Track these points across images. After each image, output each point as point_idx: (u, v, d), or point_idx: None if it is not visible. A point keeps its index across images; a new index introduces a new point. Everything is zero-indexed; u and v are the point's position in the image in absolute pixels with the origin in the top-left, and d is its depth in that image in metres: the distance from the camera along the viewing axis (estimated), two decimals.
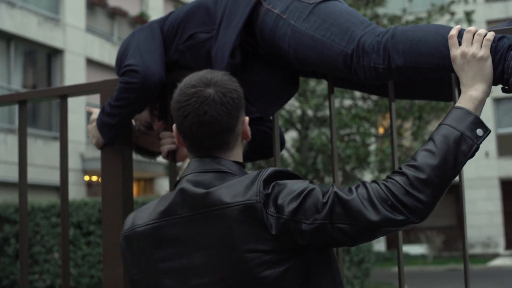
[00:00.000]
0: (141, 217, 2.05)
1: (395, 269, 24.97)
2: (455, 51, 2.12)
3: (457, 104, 2.00)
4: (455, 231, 31.85)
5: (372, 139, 18.59)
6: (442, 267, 25.44)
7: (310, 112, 19.10)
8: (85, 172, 22.77)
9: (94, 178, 23.33)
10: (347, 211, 1.83)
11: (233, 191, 1.89)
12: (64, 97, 3.08)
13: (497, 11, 31.33)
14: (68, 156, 3.08)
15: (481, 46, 2.09)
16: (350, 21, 2.43)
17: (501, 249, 30.60)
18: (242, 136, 2.08)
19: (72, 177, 21.47)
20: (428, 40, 2.27)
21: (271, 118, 2.93)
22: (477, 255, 29.56)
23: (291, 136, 21.62)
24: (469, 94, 2.02)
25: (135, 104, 2.74)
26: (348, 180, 18.32)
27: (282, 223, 1.83)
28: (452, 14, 17.13)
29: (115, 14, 24.92)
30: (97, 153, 22.58)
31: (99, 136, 2.89)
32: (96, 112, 2.96)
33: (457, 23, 16.96)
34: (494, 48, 2.17)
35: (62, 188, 3.05)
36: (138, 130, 3.02)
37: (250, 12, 2.57)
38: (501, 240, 30.74)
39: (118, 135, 2.87)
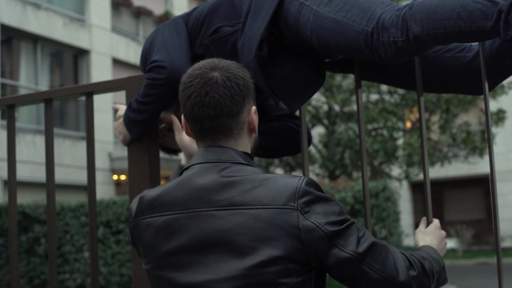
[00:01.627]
0: (148, 205, 2.00)
1: None
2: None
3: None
4: (485, 224, 31.62)
5: (400, 133, 18.51)
6: (472, 261, 25.27)
7: (336, 107, 19.07)
8: (114, 171, 22.89)
9: (123, 177, 23.44)
10: (383, 262, 1.89)
11: (269, 192, 1.86)
12: (89, 94, 3.09)
13: None
14: (95, 153, 3.08)
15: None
16: (371, 1, 2.42)
17: None
18: (249, 127, 2.05)
19: (100, 176, 21.59)
20: (445, 5, 2.25)
21: (297, 114, 2.91)
22: (507, 248, 29.31)
23: (318, 131, 21.59)
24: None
25: (162, 100, 2.73)
26: (376, 175, 18.26)
27: (321, 235, 1.83)
28: None
29: (140, 13, 25.02)
30: (125, 152, 22.68)
31: (126, 132, 2.88)
32: (122, 108, 2.96)
33: None
34: (511, 3, 2.15)
35: (89, 185, 3.05)
36: (160, 132, 3.01)
37: (277, 4, 2.55)
38: None
39: (145, 132, 2.86)
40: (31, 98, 3.25)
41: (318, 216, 1.84)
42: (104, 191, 21.74)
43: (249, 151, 2.07)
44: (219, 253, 1.85)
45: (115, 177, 23.11)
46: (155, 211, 1.97)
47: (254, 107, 2.05)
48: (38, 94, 3.24)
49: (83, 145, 21.51)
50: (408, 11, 2.31)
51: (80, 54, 22.69)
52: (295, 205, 1.83)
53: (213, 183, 1.91)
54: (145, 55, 2.86)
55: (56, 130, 20.49)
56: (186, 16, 2.89)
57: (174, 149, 3.10)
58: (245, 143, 2.05)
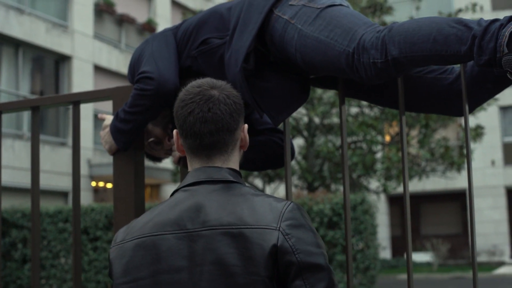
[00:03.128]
0: (138, 228, 2.04)
1: (401, 276, 24.96)
2: None
3: None
4: (461, 239, 31.82)
5: (379, 147, 18.62)
6: (447, 275, 25.42)
7: (316, 120, 19.14)
8: (92, 178, 22.82)
9: (101, 184, 23.38)
10: None
11: (255, 213, 1.92)
12: (76, 103, 3.12)
13: None
14: (80, 161, 3.12)
15: None
16: (354, 22, 2.50)
17: (506, 258, 30.55)
18: (241, 144, 2.13)
19: None
20: (422, 29, 2.33)
21: (282, 129, 2.98)
22: (482, 263, 29.51)
23: (297, 143, 21.64)
24: None
25: (150, 110, 2.78)
26: (355, 188, 18.35)
27: (293, 261, 1.87)
28: None
29: (123, 21, 25.01)
30: (104, 159, 22.65)
31: (112, 142, 2.93)
32: (109, 118, 3.00)
33: None
34: (484, 29, 2.22)
35: (74, 192, 3.09)
36: (146, 145, 3.05)
37: (264, 18, 2.62)
38: (506, 249, 30.70)
39: (131, 141, 2.90)
40: (18, 106, 3.28)
41: (297, 241, 1.89)
42: (82, 198, 21.64)
43: (237, 168, 2.13)
44: (207, 272, 1.89)
45: (93, 183, 23.04)
46: (146, 231, 2.01)
47: (246, 125, 2.13)
48: (25, 101, 3.27)
49: (62, 151, 21.44)
50: (387, 34, 2.39)
51: (62, 60, 22.63)
52: (278, 226, 1.89)
53: (203, 204, 1.98)
54: (134, 66, 2.90)
55: None
56: (175, 29, 2.95)
57: (158, 157, 3.15)
58: (236, 159, 2.11)
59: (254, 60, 2.66)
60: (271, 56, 2.72)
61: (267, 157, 3.03)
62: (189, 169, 2.11)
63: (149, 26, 25.67)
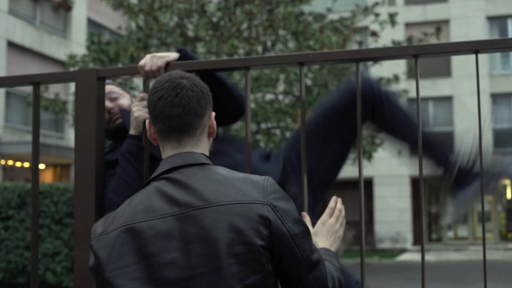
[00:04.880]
0: (120, 217, 2.14)
1: None
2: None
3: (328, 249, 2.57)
4: (366, 226, 32.61)
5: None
6: (352, 260, 26.03)
7: None
8: (2, 156, 22.39)
9: (10, 162, 22.96)
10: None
11: (239, 190, 2.07)
12: (37, 84, 3.16)
13: (416, 14, 32.12)
14: (39, 142, 3.17)
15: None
16: None
17: (409, 245, 31.51)
18: (209, 130, 2.27)
19: None
20: None
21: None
22: (386, 249, 30.37)
23: None
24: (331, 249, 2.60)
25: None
26: None
27: (284, 231, 2.06)
28: (377, 15, 17.55)
29: None
30: (14, 137, 22.25)
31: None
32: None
33: (381, 24, 17.38)
34: None
35: (33, 174, 3.15)
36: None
37: None
38: (409, 236, 31.65)
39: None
40: None
41: (284, 213, 2.07)
42: None
43: (207, 154, 2.26)
44: (198, 248, 2.01)
45: (2, 161, 22.63)
46: (130, 219, 2.11)
47: (213, 113, 2.29)
48: None
49: None
50: None
51: None
52: (265, 200, 2.06)
53: (184, 188, 2.11)
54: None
55: None
56: None
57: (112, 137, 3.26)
58: (205, 145, 2.25)
59: None
60: None
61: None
62: (163, 156, 2.23)
63: (65, 4, 25.27)
